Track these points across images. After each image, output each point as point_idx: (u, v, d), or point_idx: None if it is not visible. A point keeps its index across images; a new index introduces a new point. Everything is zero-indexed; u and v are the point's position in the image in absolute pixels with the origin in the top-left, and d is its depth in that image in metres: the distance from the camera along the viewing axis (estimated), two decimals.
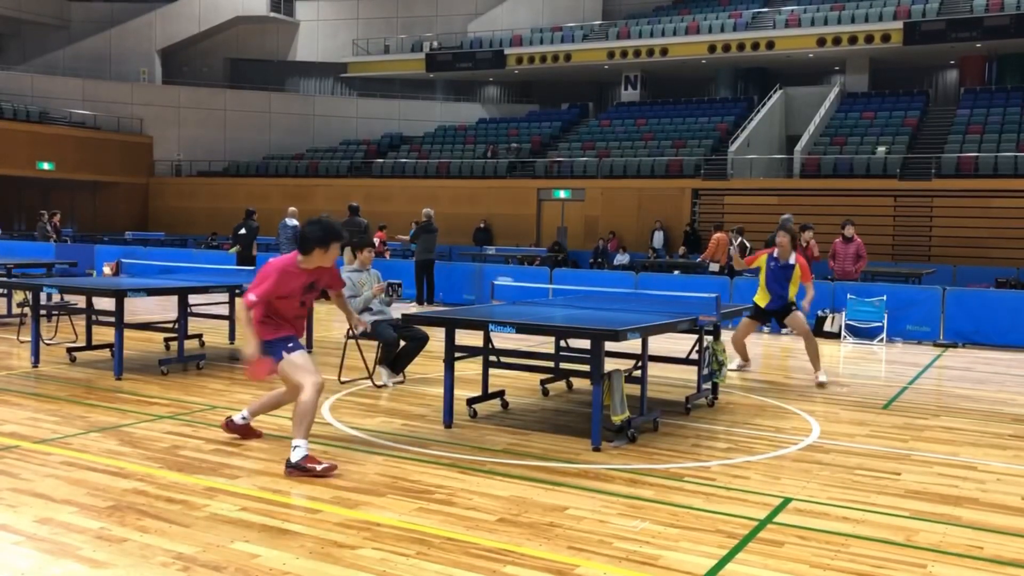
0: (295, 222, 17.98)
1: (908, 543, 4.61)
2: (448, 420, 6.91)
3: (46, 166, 32.11)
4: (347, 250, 9.34)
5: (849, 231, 14.89)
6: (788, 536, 4.65)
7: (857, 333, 13.48)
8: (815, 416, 7.77)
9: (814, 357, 9.51)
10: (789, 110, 31.42)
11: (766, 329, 14.08)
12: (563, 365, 7.79)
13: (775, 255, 9.46)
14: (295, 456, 5.46)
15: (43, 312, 10.09)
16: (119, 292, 8.58)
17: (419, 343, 8.67)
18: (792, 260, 9.39)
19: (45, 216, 23.67)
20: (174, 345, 9.77)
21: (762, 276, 9.59)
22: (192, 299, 10.02)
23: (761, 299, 9.67)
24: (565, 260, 24.39)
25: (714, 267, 18.82)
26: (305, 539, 4.40)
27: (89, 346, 9.65)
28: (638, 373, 7.12)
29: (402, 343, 8.64)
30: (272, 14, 39.92)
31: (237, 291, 10.60)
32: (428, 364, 9.22)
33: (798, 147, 27.28)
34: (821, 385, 9.25)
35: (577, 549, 4.38)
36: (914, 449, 6.71)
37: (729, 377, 8.87)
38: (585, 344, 6.58)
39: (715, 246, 18.87)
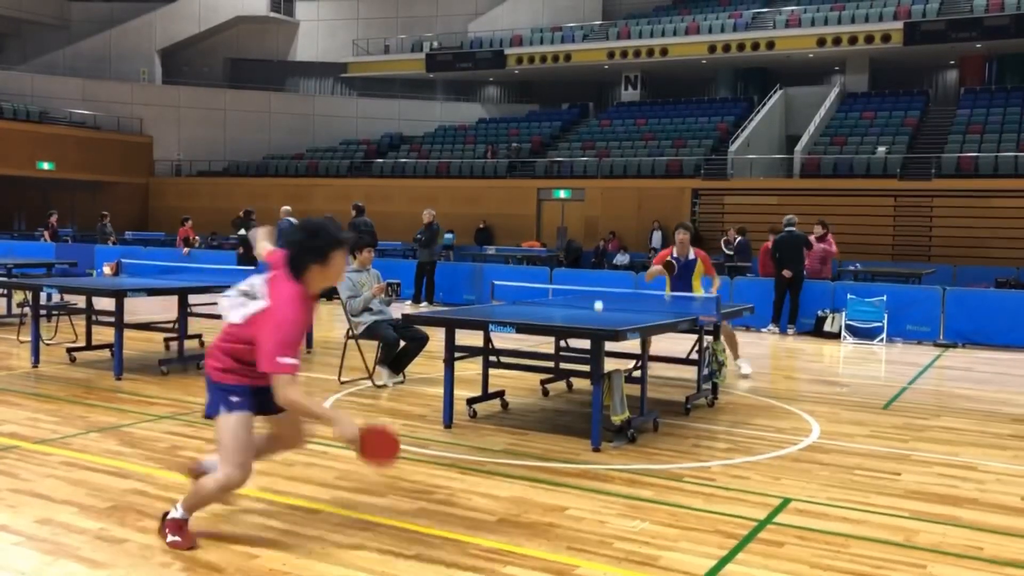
0: (295, 221, 18.01)
1: (908, 543, 4.61)
2: (448, 420, 6.91)
3: (46, 166, 32.11)
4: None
5: (771, 241, 15.05)
6: (788, 536, 4.65)
7: (857, 333, 13.47)
8: (815, 416, 7.77)
9: (731, 345, 9.55)
10: (789, 110, 31.42)
11: (772, 328, 14.09)
12: (563, 365, 7.79)
13: (675, 254, 9.34)
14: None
15: (43, 312, 10.09)
16: (119, 292, 8.57)
17: (419, 343, 8.67)
18: (692, 255, 9.31)
19: (107, 217, 23.49)
20: (174, 345, 9.77)
21: (667, 277, 9.47)
22: (192, 299, 10.01)
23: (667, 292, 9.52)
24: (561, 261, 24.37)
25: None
26: (305, 539, 4.40)
27: (89, 346, 9.65)
28: (638, 373, 7.13)
29: (402, 343, 8.64)
30: (272, 14, 39.92)
31: None
32: (428, 364, 9.23)
33: (798, 147, 27.28)
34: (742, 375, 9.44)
35: (577, 549, 4.38)
36: (914, 449, 6.71)
37: (725, 380, 8.87)
38: (585, 344, 6.58)
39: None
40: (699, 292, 9.36)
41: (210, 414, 4.22)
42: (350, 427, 3.94)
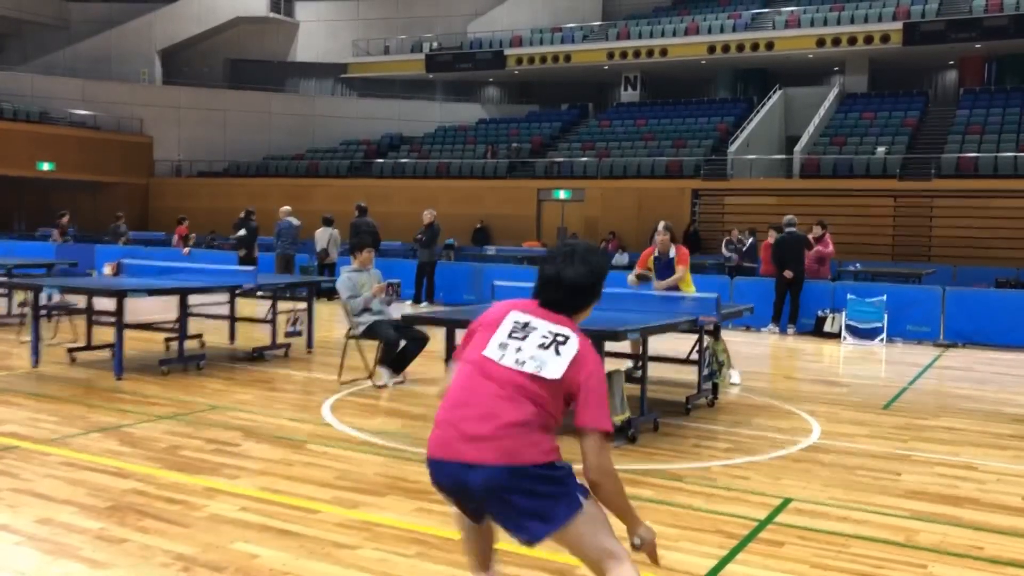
0: (295, 221, 17.99)
1: (908, 543, 4.61)
2: None
3: (46, 166, 32.10)
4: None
5: (771, 236, 15.07)
6: (789, 536, 4.65)
7: (857, 333, 13.47)
8: (815, 416, 7.77)
9: None
10: (789, 110, 31.41)
11: (772, 327, 14.09)
12: None
13: (656, 253, 9.43)
14: None
15: (43, 312, 10.10)
16: (119, 292, 8.58)
17: (419, 343, 8.67)
18: (672, 254, 9.42)
19: (122, 218, 23.79)
20: (174, 345, 9.76)
21: (654, 273, 9.53)
22: (192, 299, 10.01)
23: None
24: None
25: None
26: (305, 539, 4.40)
27: (89, 346, 9.65)
28: (638, 373, 7.12)
29: (402, 343, 8.64)
30: (272, 15, 39.91)
31: (237, 291, 10.61)
32: (428, 364, 9.22)
33: (798, 147, 27.28)
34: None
35: None
36: (914, 449, 6.71)
37: (727, 381, 8.87)
38: None
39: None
40: (690, 288, 9.37)
41: (552, 528, 2.95)
42: (650, 531, 3.06)
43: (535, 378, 2.97)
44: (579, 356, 3.03)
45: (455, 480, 2.97)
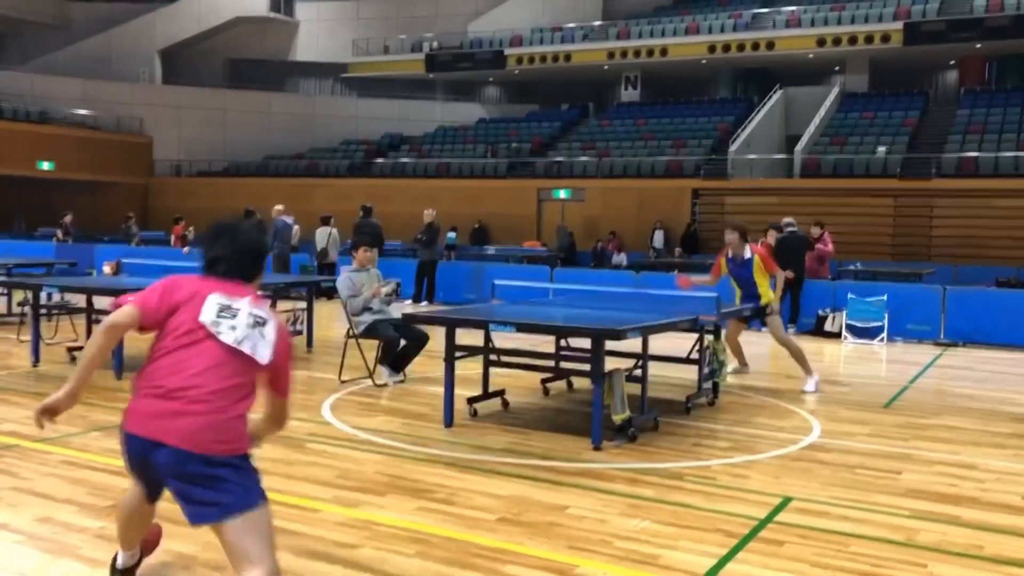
0: (290, 220, 17.98)
1: (909, 542, 4.61)
2: (448, 419, 6.91)
3: (46, 166, 32.10)
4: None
5: (771, 236, 14.99)
6: (789, 535, 4.65)
7: (858, 333, 13.46)
8: (816, 415, 7.77)
9: (800, 361, 9.18)
10: (789, 110, 31.41)
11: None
12: (563, 364, 7.79)
13: (730, 255, 9.21)
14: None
15: (43, 311, 10.09)
16: (119, 291, 8.57)
17: (419, 342, 8.68)
18: (748, 254, 9.12)
19: (132, 219, 23.87)
20: None
21: (731, 278, 9.38)
22: None
23: (737, 299, 9.37)
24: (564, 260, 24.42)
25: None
26: (305, 539, 4.40)
27: None
28: (639, 372, 7.12)
29: (402, 342, 8.64)
30: (272, 14, 39.90)
31: None
32: (428, 363, 9.22)
33: (798, 147, 27.27)
34: (804, 392, 8.88)
35: (577, 548, 4.38)
36: (915, 448, 6.71)
37: (726, 379, 8.89)
38: (586, 343, 6.58)
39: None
40: (767, 292, 9.17)
41: (244, 507, 3.11)
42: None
43: (248, 359, 3.22)
44: (278, 342, 3.31)
45: (142, 457, 3.21)
